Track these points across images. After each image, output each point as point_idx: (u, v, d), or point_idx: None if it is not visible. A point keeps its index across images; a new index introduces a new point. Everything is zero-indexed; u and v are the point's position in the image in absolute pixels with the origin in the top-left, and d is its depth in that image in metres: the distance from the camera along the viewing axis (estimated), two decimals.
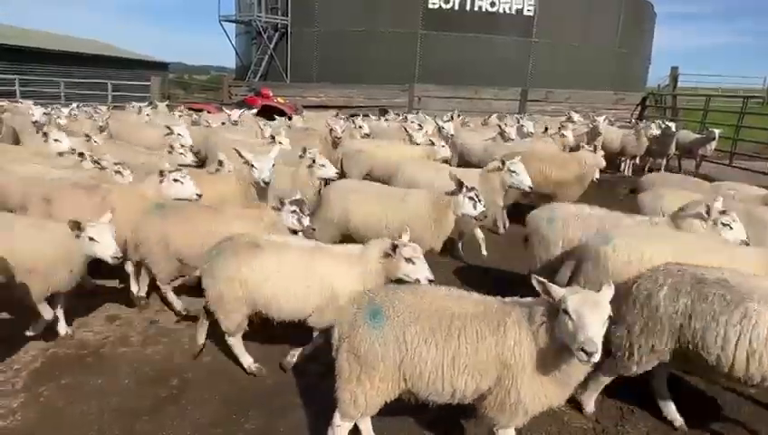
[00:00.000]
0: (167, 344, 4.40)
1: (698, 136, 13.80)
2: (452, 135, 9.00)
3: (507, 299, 2.95)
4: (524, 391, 2.71)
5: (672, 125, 13.30)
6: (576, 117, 14.86)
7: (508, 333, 2.73)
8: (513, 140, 9.59)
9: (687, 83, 32.60)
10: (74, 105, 13.15)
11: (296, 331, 4.00)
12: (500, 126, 10.33)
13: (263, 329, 4.08)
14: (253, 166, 5.41)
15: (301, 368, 4.08)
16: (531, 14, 20.49)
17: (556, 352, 2.64)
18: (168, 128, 8.15)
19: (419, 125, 9.14)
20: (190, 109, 14.59)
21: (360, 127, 9.71)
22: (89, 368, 4.03)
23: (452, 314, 2.81)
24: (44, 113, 9.31)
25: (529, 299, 2.87)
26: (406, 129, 8.90)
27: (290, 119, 14.35)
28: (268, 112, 14.97)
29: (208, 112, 14.15)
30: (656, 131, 13.27)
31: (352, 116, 12.55)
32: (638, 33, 24.14)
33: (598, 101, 19.59)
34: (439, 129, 9.06)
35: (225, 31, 23.93)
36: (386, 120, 13.21)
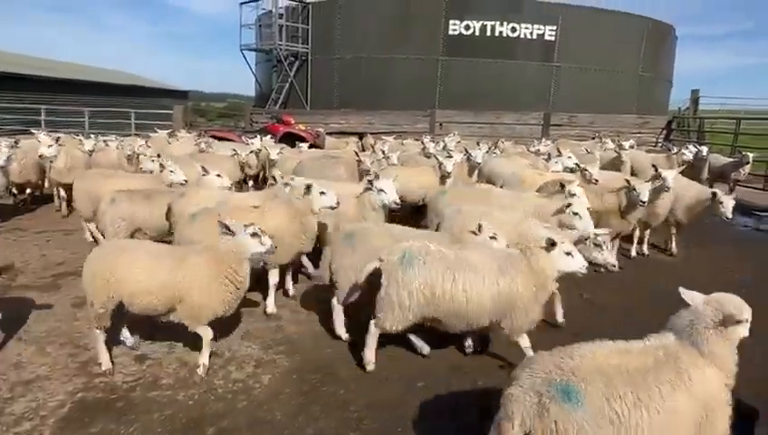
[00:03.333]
0: (200, 388, 4.13)
1: (731, 160, 13.42)
2: (479, 162, 8.72)
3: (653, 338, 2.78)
4: None
5: (704, 149, 12.94)
6: (609, 142, 14.54)
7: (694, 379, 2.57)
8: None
9: (708, 106, 32.19)
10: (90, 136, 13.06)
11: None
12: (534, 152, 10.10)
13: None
14: (381, 190, 5.96)
15: None
16: (552, 38, 20.39)
17: None
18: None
19: (449, 154, 8.88)
20: (213, 137, 14.59)
21: (388, 157, 9.60)
22: (119, 415, 3.78)
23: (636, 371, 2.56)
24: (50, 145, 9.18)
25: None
26: (436, 156, 8.67)
27: (311, 146, 14.29)
28: (289, 139, 14.91)
29: (230, 140, 14.15)
30: (688, 156, 12.93)
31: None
32: (660, 56, 23.90)
33: (622, 125, 19.32)
34: (468, 157, 8.80)
35: (245, 59, 24.20)
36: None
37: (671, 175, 7.69)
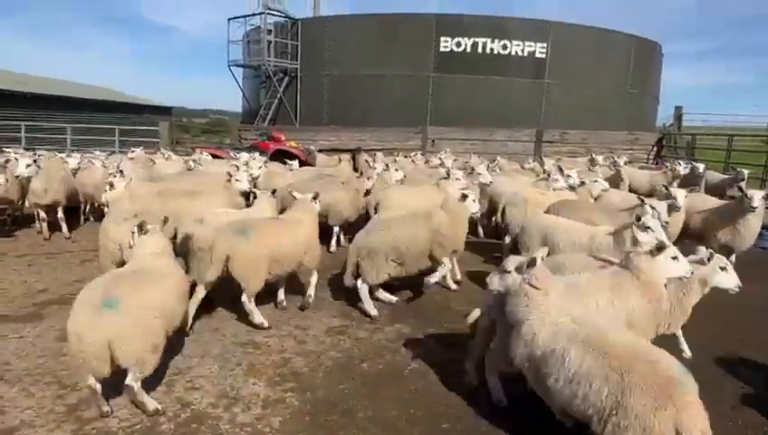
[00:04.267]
0: (204, 434, 3.73)
1: (726, 176, 13.39)
2: (489, 182, 8.49)
3: None
4: None
5: (701, 166, 12.92)
6: (600, 159, 14.51)
7: None
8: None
9: (690, 122, 32.56)
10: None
11: None
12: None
13: None
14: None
15: None
16: (543, 55, 20.44)
17: None
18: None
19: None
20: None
21: (396, 170, 9.36)
22: None
23: None
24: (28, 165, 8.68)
25: None
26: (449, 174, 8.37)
27: (302, 164, 13.95)
28: (280, 157, 14.55)
29: (220, 158, 13.75)
30: (684, 172, 12.87)
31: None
32: (647, 73, 24.15)
33: (613, 141, 19.34)
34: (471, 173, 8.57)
35: (233, 75, 23.89)
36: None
37: (681, 194, 7.52)
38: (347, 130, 18.52)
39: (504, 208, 7.95)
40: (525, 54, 20.33)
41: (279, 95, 21.81)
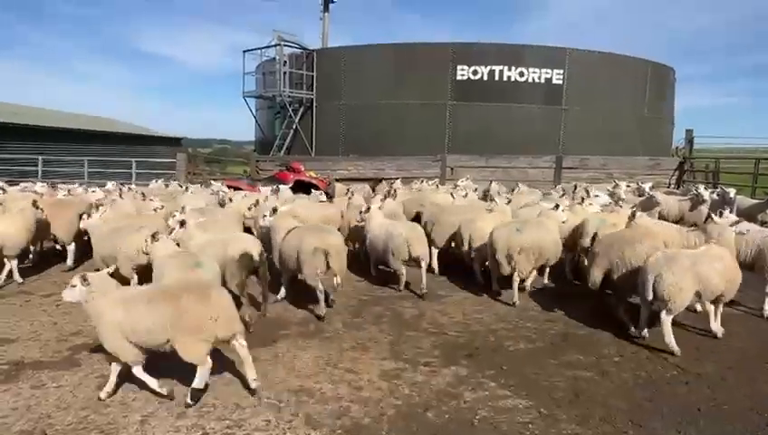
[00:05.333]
0: None
1: (757, 201, 13.06)
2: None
3: None
4: None
5: (731, 191, 12.60)
6: (623, 185, 14.23)
7: None
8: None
9: (698, 145, 32.25)
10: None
11: None
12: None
13: None
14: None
15: None
16: (560, 82, 20.41)
17: None
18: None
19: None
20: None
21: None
22: None
23: None
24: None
25: None
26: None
27: (325, 195, 13.77)
28: (300, 188, 14.41)
29: (239, 189, 13.57)
30: (714, 197, 12.57)
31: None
32: (662, 98, 24.09)
33: (634, 166, 19.10)
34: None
35: (248, 106, 23.99)
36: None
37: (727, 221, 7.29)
38: (366, 160, 18.38)
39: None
40: (542, 81, 20.33)
41: (295, 125, 21.80)
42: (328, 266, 6.60)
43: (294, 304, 7.21)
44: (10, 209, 8.84)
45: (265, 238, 7.48)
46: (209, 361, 4.43)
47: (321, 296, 6.62)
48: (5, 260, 8.01)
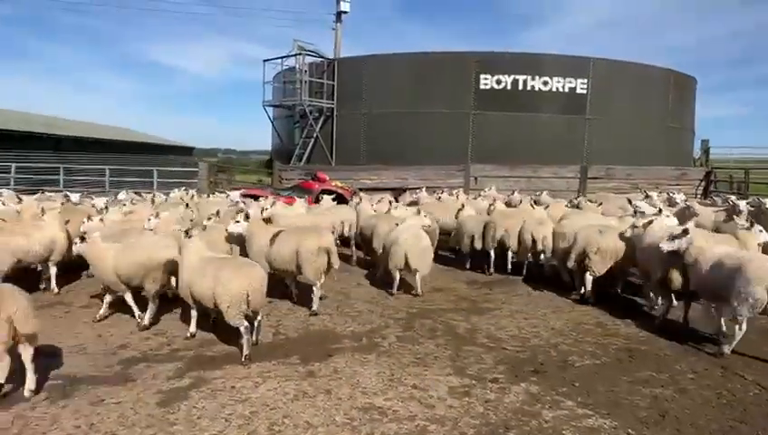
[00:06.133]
0: None
1: None
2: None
3: None
4: None
5: (741, 203, 12.32)
6: (655, 196, 14.00)
7: None
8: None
9: (715, 155, 31.98)
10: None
11: None
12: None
13: None
14: None
15: None
16: (584, 91, 20.23)
17: None
18: None
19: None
20: (247, 195, 13.87)
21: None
22: None
23: None
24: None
25: None
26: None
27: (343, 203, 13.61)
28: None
29: (264, 198, 13.40)
30: (749, 208, 12.30)
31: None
32: (685, 107, 23.86)
33: (660, 176, 18.81)
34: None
35: (268, 115, 23.94)
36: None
37: None
38: (389, 169, 18.19)
39: None
40: (566, 90, 20.14)
41: (315, 134, 21.68)
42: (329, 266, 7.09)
43: (338, 318, 7.01)
44: (24, 219, 8.76)
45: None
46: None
47: (319, 293, 7.07)
48: (47, 266, 7.91)
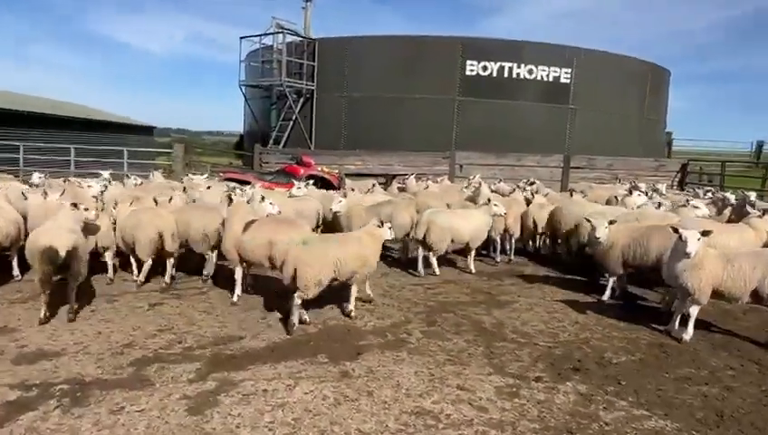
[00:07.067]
0: None
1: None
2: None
3: None
4: None
5: (752, 194, 12.55)
6: (643, 187, 14.12)
7: None
8: None
9: (678, 148, 32.92)
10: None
11: None
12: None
13: None
14: None
15: None
16: (567, 81, 20.24)
17: None
18: None
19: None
20: (228, 179, 13.23)
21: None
22: None
23: None
24: None
25: None
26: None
27: (336, 189, 13.16)
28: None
29: (247, 183, 12.80)
30: (733, 201, 12.54)
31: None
32: (660, 100, 24.29)
33: (639, 167, 19.07)
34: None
35: (244, 95, 22.99)
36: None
37: None
38: (373, 155, 17.75)
39: None
40: (550, 79, 20.09)
41: (294, 117, 20.95)
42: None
43: (354, 311, 6.65)
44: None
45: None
46: None
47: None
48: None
